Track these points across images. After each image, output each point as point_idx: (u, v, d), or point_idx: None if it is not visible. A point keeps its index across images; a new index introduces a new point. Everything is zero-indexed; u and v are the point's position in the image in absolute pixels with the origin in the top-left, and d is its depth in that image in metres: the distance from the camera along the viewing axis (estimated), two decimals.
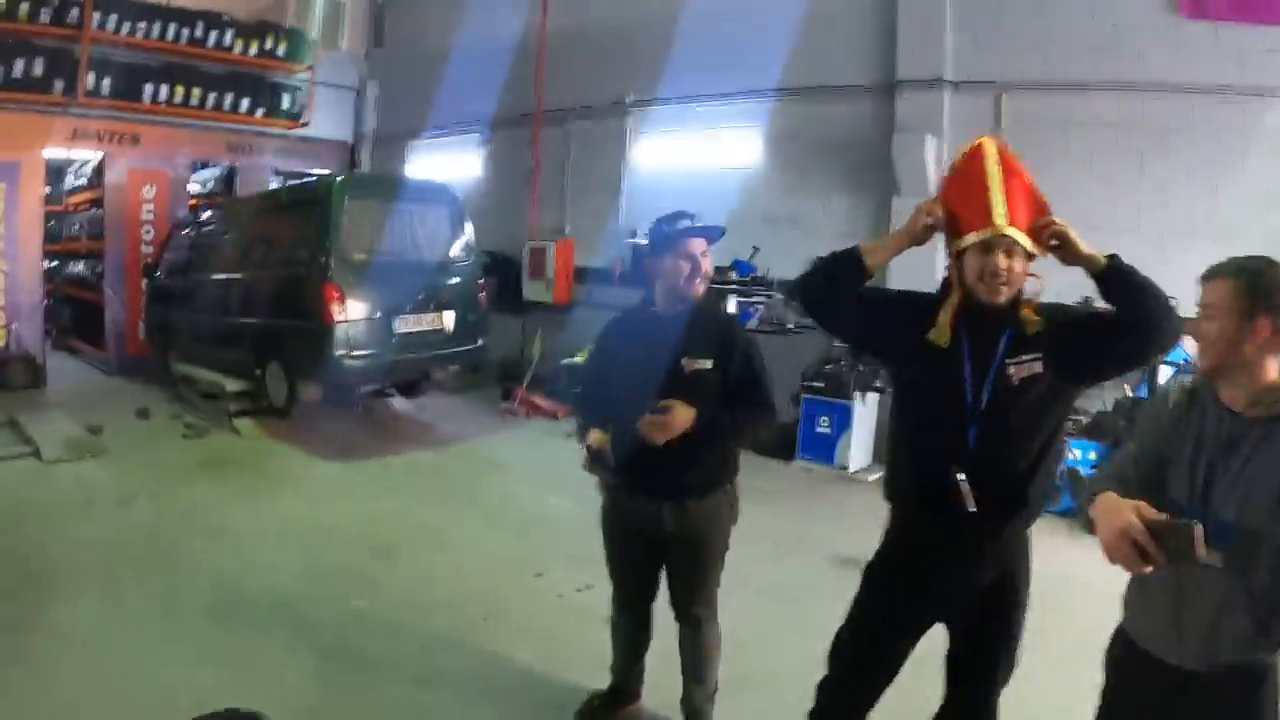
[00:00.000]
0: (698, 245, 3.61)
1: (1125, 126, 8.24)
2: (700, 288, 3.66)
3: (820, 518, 7.48)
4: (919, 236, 2.97)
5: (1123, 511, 2.17)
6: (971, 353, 2.87)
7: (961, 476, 2.80)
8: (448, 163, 14.60)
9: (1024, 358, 2.82)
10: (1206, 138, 7.94)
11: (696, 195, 10.28)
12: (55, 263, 16.32)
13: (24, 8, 11.96)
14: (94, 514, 7.07)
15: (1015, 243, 2.76)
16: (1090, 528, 2.65)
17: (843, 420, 8.68)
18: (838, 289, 3.10)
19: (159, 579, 5.79)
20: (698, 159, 11.06)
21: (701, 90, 10.76)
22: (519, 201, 13.12)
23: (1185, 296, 2.62)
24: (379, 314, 9.30)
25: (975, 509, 2.80)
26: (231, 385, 10.45)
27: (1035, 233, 2.77)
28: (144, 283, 13.23)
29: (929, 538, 2.97)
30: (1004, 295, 2.79)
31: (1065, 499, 7.24)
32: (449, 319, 9.80)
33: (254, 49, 14.12)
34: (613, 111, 11.94)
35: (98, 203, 14.28)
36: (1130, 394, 7.64)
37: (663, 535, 3.74)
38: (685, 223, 3.63)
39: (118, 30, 12.75)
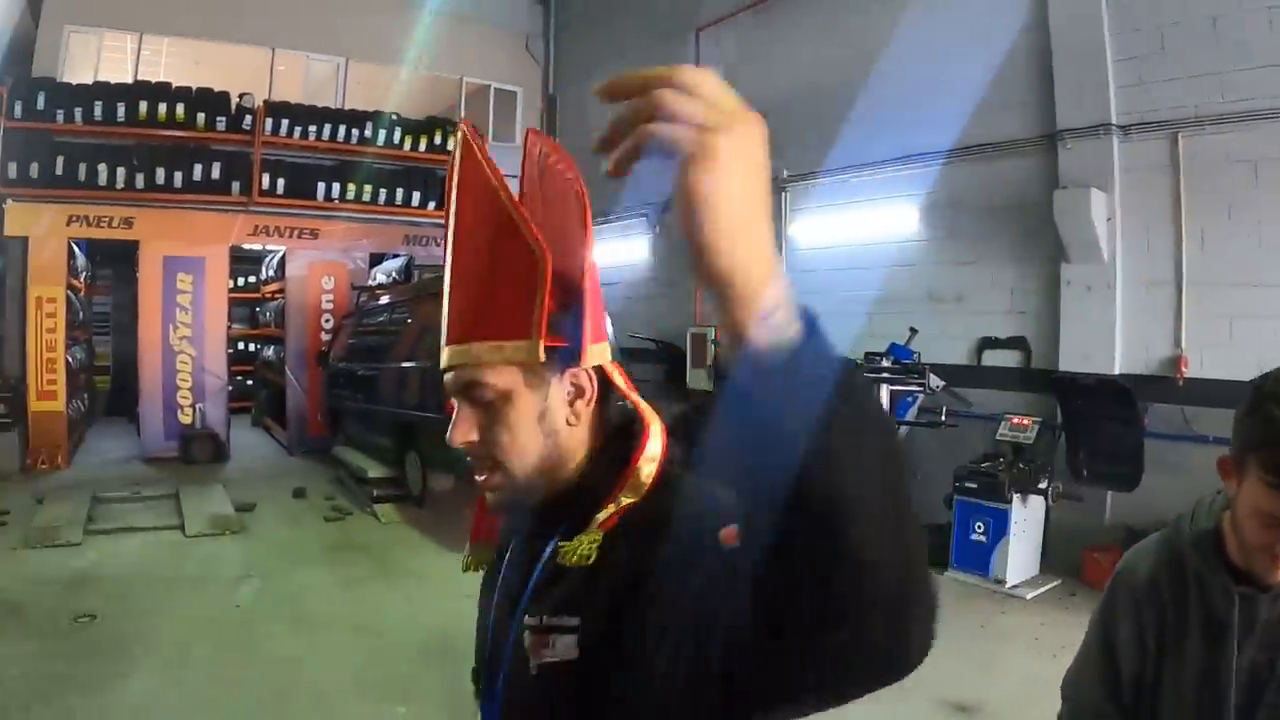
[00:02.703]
0: None
1: None
2: None
3: (949, 647, 6.35)
4: None
5: None
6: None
7: None
8: (618, 250, 14.50)
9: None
10: None
11: (856, 274, 9.94)
12: (256, 347, 17.38)
13: (201, 117, 13.12)
14: (204, 589, 7.31)
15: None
16: None
17: (999, 526, 7.62)
18: None
19: (228, 660, 5.91)
20: (856, 234, 10.43)
21: (856, 160, 10.07)
22: (684, 287, 12.81)
23: None
24: None
25: None
26: (374, 471, 10.74)
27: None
28: (321, 368, 13.70)
29: None
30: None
31: None
32: None
33: (423, 144, 14.72)
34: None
35: (283, 292, 15.07)
36: None
37: None
38: None
39: (290, 134, 13.73)
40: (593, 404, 1.28)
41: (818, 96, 10.53)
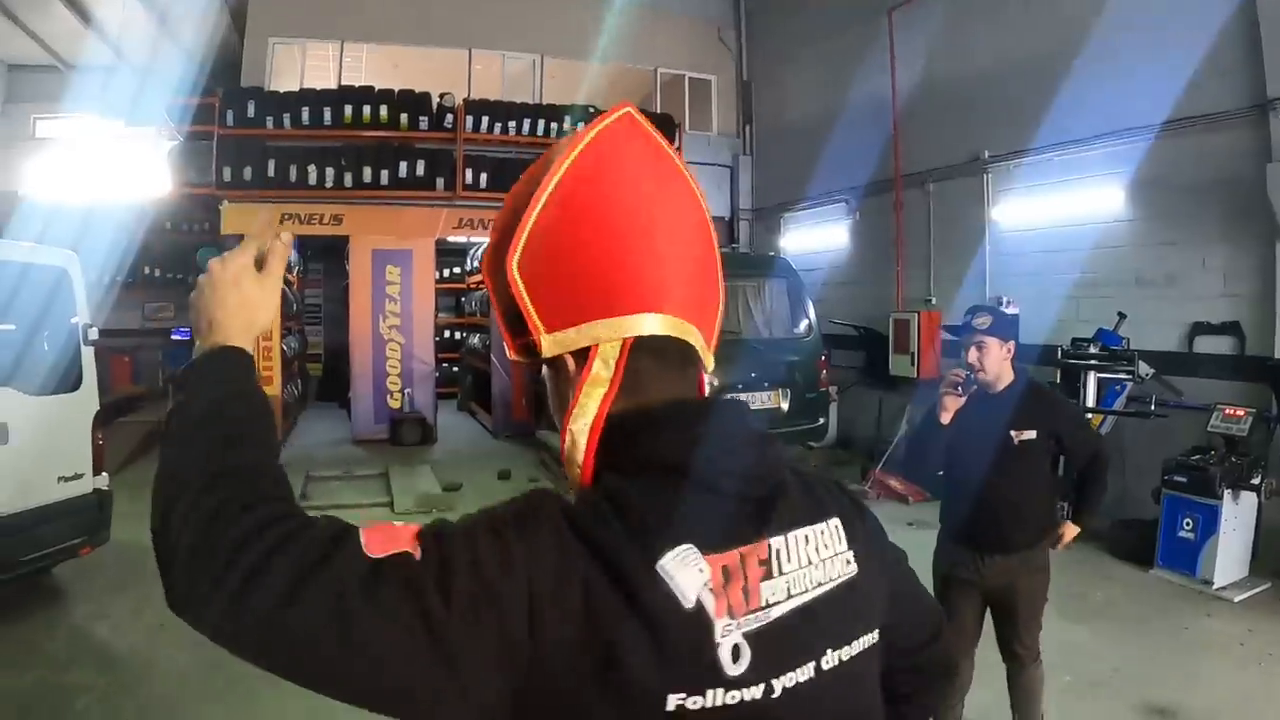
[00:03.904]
0: (973, 338, 4.19)
1: None
2: (986, 373, 4.19)
3: (1151, 647, 6.17)
4: None
5: None
6: None
7: None
8: (819, 235, 14.62)
9: None
10: None
11: (1062, 257, 9.72)
12: (462, 335, 18.40)
13: (404, 117, 13.84)
14: None
15: None
16: None
17: (1208, 524, 7.27)
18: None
19: None
20: (1060, 215, 10.09)
21: (1058, 139, 9.76)
22: (886, 272, 12.74)
23: None
24: (708, 392, 9.15)
25: None
26: None
27: None
28: None
29: None
30: None
31: None
32: (785, 397, 9.49)
33: None
34: (969, 170, 11.31)
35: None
36: None
37: (989, 585, 4.27)
38: (982, 318, 4.22)
39: (490, 130, 14.28)
40: None
41: (1017, 74, 10.35)
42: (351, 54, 15.57)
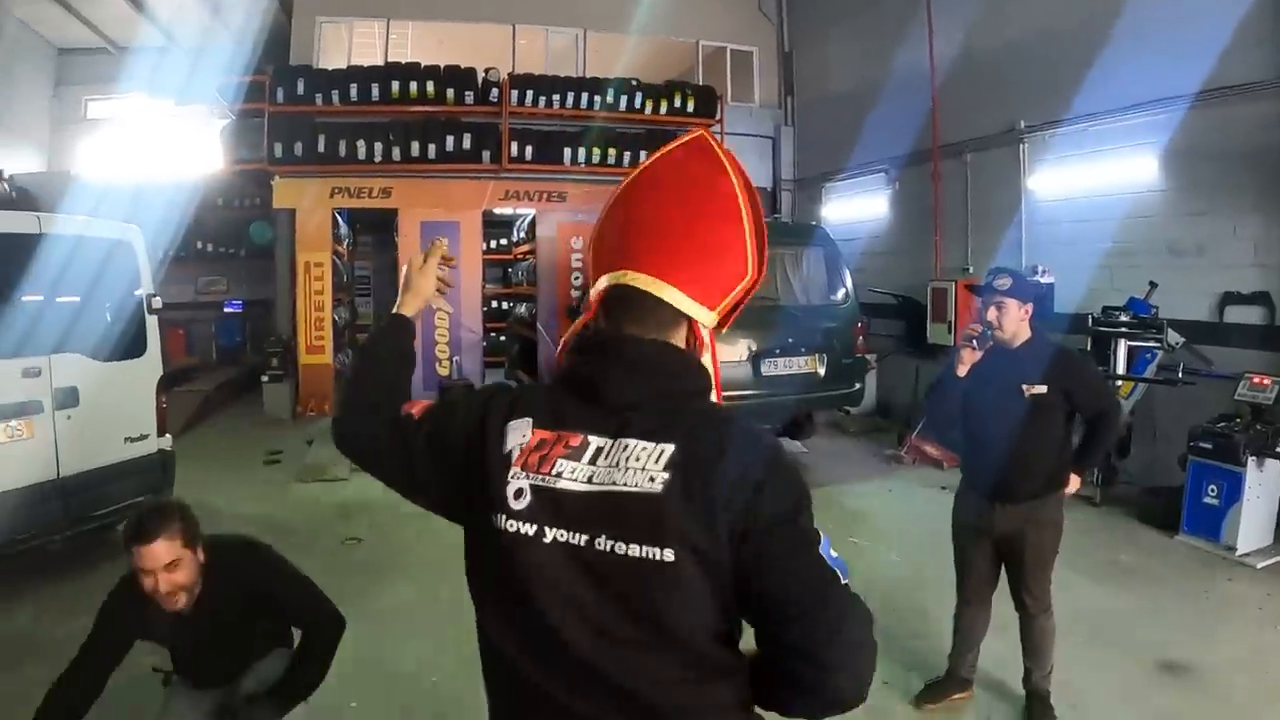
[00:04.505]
0: (994, 298, 4.45)
1: None
2: (1004, 331, 4.45)
3: (1171, 609, 6.26)
4: None
5: None
6: None
7: None
8: (860, 204, 14.78)
9: None
10: None
11: (1093, 226, 10.00)
12: (509, 305, 18.78)
13: (450, 92, 14.19)
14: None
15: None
16: None
17: (1233, 490, 7.39)
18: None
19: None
20: (1093, 185, 10.18)
21: (1092, 109, 9.86)
22: (924, 241, 12.91)
23: None
24: (746, 357, 9.50)
25: None
26: None
27: None
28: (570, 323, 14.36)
29: None
30: None
31: None
32: (821, 362, 9.70)
33: (664, 108, 15.17)
34: (1005, 140, 11.41)
35: (533, 253, 15.99)
36: None
37: (998, 533, 4.56)
38: (1002, 279, 4.45)
39: (534, 104, 14.55)
40: None
41: (1052, 44, 10.49)
42: (397, 31, 15.91)
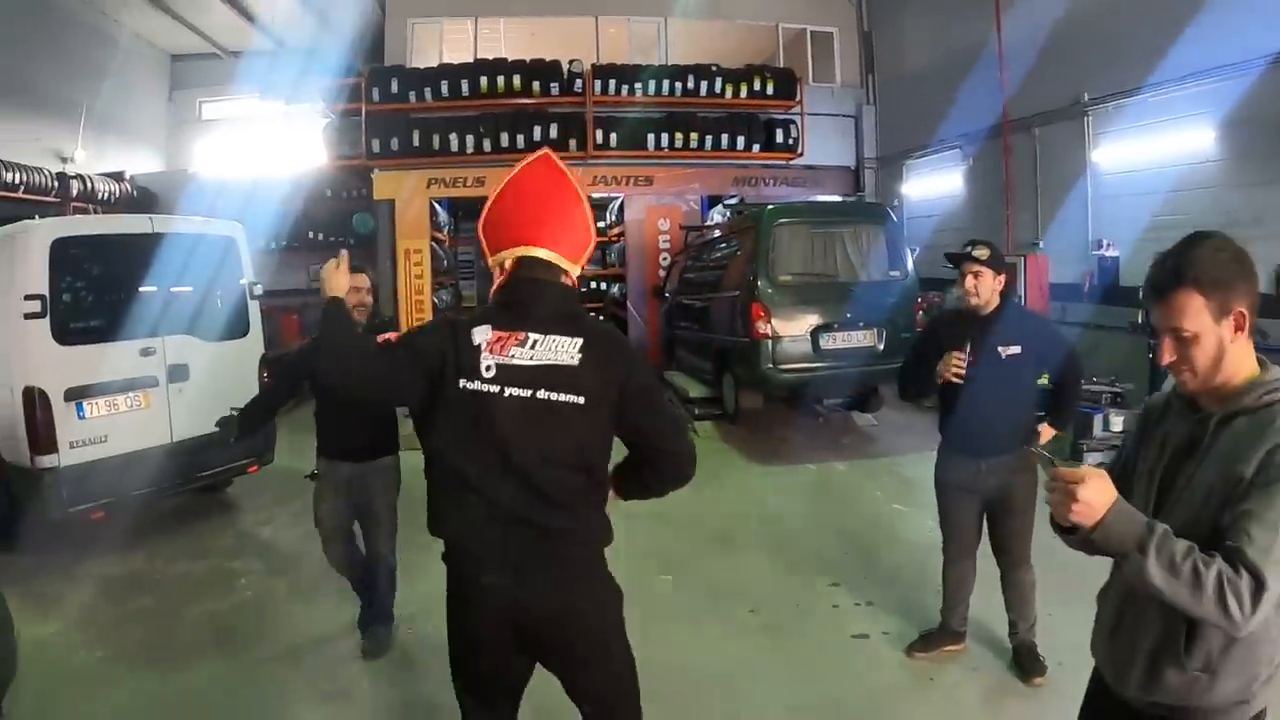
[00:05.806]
0: (971, 267, 4.73)
1: None
2: (979, 298, 4.74)
3: None
4: None
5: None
6: None
7: None
8: (937, 181, 15.08)
9: None
10: None
11: (1154, 199, 10.01)
12: (604, 285, 19.79)
13: (536, 85, 15.02)
14: None
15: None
16: None
17: None
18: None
19: None
20: (1154, 156, 10.21)
21: (1156, 79, 9.82)
22: (996, 217, 13.06)
23: None
24: (805, 331, 10.10)
25: None
26: (694, 391, 12.31)
27: None
28: (658, 302, 15.38)
29: None
30: None
31: None
32: (880, 336, 10.12)
33: (744, 92, 15.71)
34: (1070, 113, 11.56)
35: (623, 234, 16.80)
36: None
37: (988, 488, 4.86)
38: (981, 249, 4.74)
39: (617, 92, 15.28)
40: None
41: (1116, 14, 10.60)
42: (487, 27, 16.75)
